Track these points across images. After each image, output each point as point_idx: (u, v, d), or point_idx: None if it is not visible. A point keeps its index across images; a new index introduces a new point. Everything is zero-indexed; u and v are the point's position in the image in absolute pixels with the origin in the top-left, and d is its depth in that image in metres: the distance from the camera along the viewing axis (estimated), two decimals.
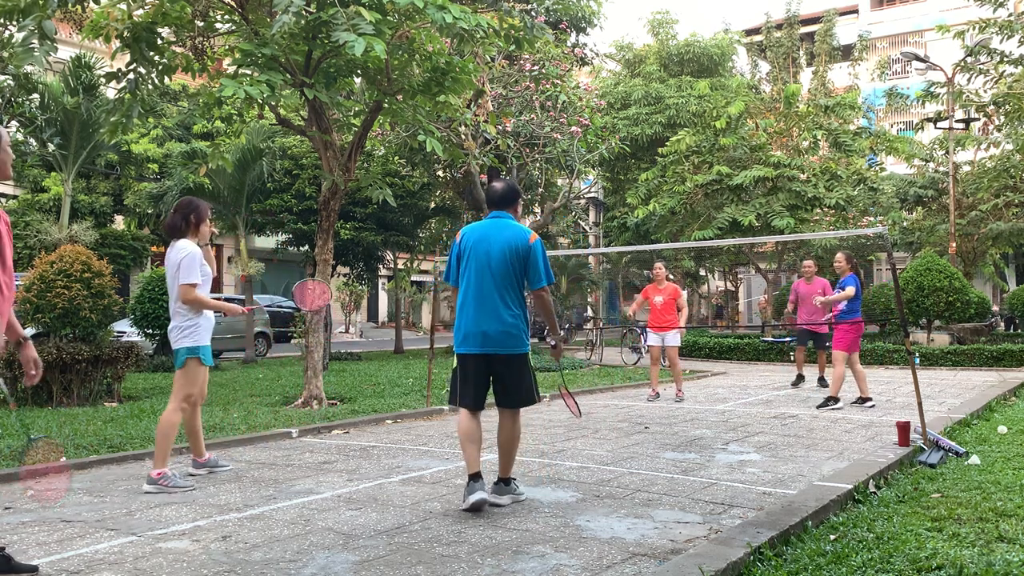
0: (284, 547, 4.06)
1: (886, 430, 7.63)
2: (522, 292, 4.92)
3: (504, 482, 4.95)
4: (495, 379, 4.91)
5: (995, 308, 25.98)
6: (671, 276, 11.17)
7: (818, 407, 9.50)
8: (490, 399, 4.96)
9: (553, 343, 5.11)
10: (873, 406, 9.54)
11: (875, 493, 5.04)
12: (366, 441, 7.41)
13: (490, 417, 5.33)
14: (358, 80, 10.47)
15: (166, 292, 16.94)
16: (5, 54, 9.45)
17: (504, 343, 4.82)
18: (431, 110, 9.80)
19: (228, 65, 9.44)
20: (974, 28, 17.96)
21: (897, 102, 23.23)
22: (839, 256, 9.68)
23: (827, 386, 11.39)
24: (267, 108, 9.56)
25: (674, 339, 10.78)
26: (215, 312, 5.81)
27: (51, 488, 5.22)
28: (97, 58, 17.18)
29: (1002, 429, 7.49)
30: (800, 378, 12.29)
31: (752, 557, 3.68)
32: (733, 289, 38.93)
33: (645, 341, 16.53)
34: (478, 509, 4.68)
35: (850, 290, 9.30)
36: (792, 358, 16.90)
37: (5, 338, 3.55)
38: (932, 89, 20.72)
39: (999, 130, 21.38)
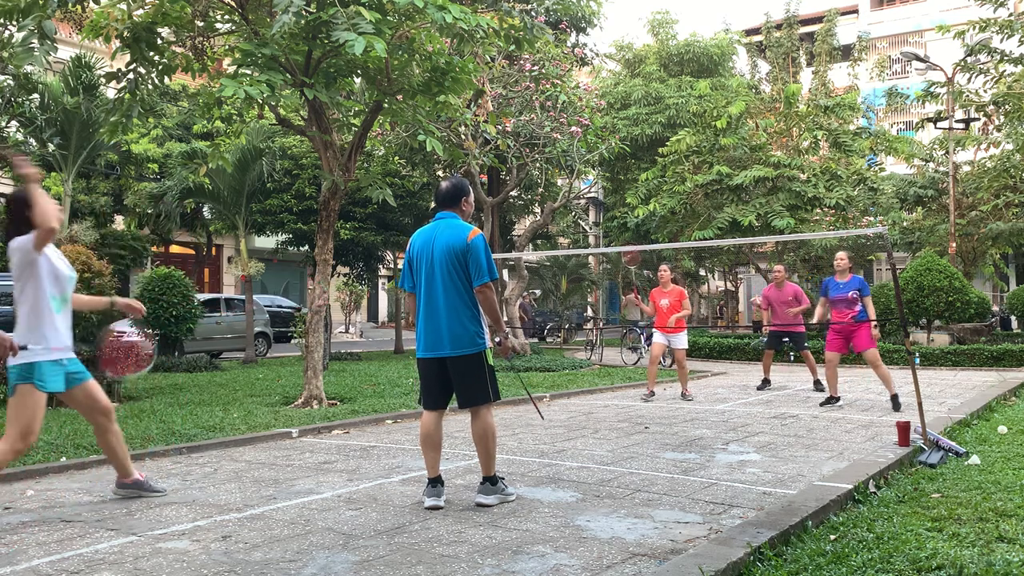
0: (284, 547, 4.06)
1: (886, 430, 7.63)
2: (470, 292, 4.87)
3: (489, 481, 4.94)
4: (452, 380, 4.94)
5: (995, 308, 25.99)
6: (675, 279, 11.19)
7: (821, 405, 9.55)
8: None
9: (498, 340, 5.08)
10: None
11: (875, 493, 5.04)
12: (366, 441, 7.41)
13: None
14: (358, 80, 10.47)
15: (166, 292, 16.66)
16: (5, 54, 9.45)
17: (453, 345, 4.84)
18: (431, 110, 9.80)
19: (228, 65, 9.44)
20: (974, 28, 17.96)
21: (897, 102, 23.20)
22: (843, 254, 9.50)
23: (823, 390, 11.26)
24: (267, 108, 9.56)
25: (681, 342, 10.81)
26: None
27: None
28: (97, 58, 17.17)
29: (1002, 429, 7.49)
30: (766, 382, 11.97)
31: (752, 557, 3.68)
32: (733, 289, 38.92)
33: (646, 340, 16.49)
34: (435, 508, 4.79)
35: (869, 300, 9.19)
36: (792, 358, 16.92)
37: None
38: (932, 89, 20.70)
39: (999, 130, 21.36)
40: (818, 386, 11.52)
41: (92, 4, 8.55)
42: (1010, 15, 18.32)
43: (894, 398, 9.11)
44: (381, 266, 23.05)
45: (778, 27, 29.64)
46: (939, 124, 22.13)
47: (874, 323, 9.10)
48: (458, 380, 4.89)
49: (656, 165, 22.17)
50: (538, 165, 17.10)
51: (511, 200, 22.30)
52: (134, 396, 10.52)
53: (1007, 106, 19.17)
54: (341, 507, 4.87)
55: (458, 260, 4.83)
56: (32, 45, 7.37)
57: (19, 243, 4.58)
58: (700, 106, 22.68)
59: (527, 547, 4.02)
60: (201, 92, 10.16)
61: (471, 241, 4.83)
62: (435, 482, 4.87)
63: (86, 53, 17.17)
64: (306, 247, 19.35)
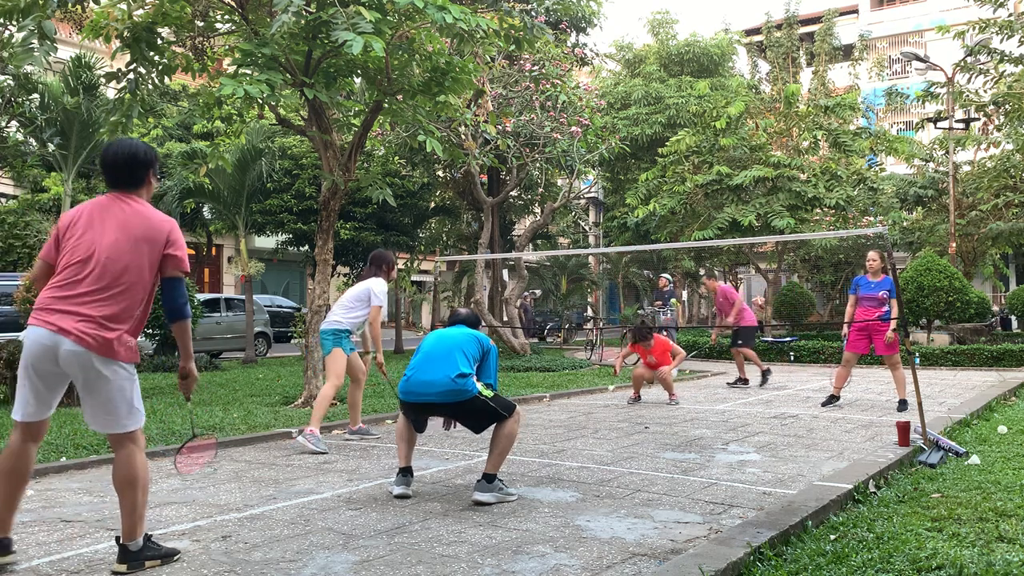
0: (284, 547, 4.06)
1: (886, 430, 7.63)
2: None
3: (487, 479, 4.96)
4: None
5: (995, 308, 26.00)
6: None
7: (822, 405, 9.55)
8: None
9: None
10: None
11: (875, 493, 5.04)
12: (366, 441, 7.41)
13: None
14: (358, 80, 10.46)
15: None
16: (5, 54, 9.45)
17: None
18: (431, 110, 9.80)
19: (228, 65, 9.44)
20: (974, 28, 17.95)
21: (897, 102, 23.21)
22: (874, 254, 9.30)
23: (741, 385, 12.20)
24: (267, 108, 9.55)
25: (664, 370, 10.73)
26: None
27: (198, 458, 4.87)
28: (97, 58, 17.17)
29: (1002, 429, 7.49)
30: (769, 372, 12.73)
31: (752, 557, 3.68)
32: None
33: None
34: (403, 497, 5.05)
35: (895, 302, 8.77)
36: (791, 358, 16.92)
37: None
38: (932, 89, 20.70)
39: (999, 130, 21.35)
40: (739, 383, 12.25)
41: (92, 4, 8.55)
42: (1010, 15, 18.31)
43: (902, 402, 9.06)
44: None
45: (778, 27, 29.67)
46: (939, 124, 22.14)
47: (893, 326, 8.84)
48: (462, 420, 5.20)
49: (656, 165, 22.17)
50: (538, 165, 17.10)
51: (511, 200, 22.30)
52: None
53: (1007, 106, 19.16)
54: (341, 507, 4.87)
55: None
56: (32, 45, 7.36)
57: None
58: (700, 106, 22.69)
59: (527, 547, 4.02)
60: (201, 92, 10.15)
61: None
62: (405, 472, 5.13)
63: (86, 53, 17.17)
64: (306, 247, 19.35)
